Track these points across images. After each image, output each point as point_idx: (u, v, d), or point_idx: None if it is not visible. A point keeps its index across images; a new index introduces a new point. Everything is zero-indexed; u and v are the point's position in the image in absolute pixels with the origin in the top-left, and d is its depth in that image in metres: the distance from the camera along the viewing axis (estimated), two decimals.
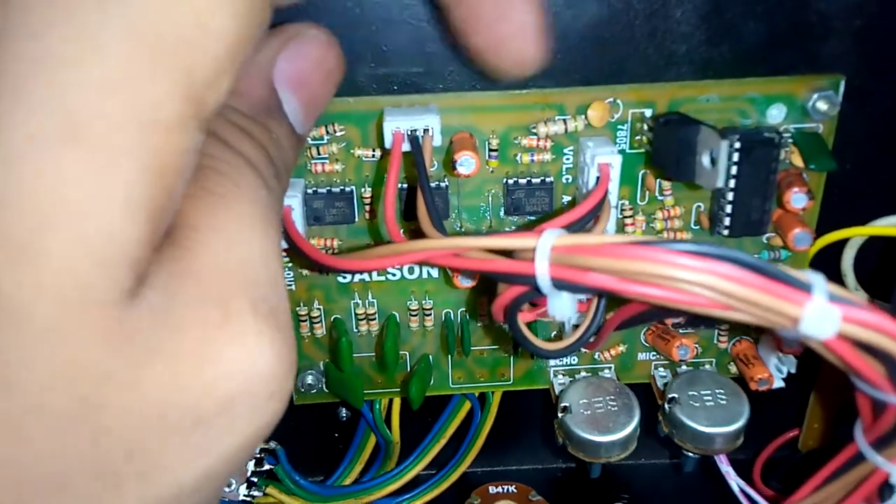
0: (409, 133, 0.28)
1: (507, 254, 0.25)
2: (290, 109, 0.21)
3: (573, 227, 0.27)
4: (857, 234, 0.34)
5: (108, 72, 0.14)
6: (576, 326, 0.32)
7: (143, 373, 0.15)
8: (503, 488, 0.37)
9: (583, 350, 0.35)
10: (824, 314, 0.21)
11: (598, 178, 0.29)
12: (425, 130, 0.28)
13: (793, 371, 0.34)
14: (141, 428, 0.15)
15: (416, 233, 0.29)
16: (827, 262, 0.34)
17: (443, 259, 0.26)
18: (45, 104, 0.13)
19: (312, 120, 0.22)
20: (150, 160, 0.14)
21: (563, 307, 0.25)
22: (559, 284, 0.23)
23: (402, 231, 0.28)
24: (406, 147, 0.28)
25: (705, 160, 0.28)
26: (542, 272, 0.23)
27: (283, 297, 0.18)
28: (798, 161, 0.31)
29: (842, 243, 0.34)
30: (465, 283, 0.30)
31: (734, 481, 0.34)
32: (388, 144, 0.28)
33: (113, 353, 0.14)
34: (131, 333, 0.14)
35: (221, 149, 0.18)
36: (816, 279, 0.21)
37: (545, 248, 0.23)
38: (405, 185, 0.31)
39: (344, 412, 0.39)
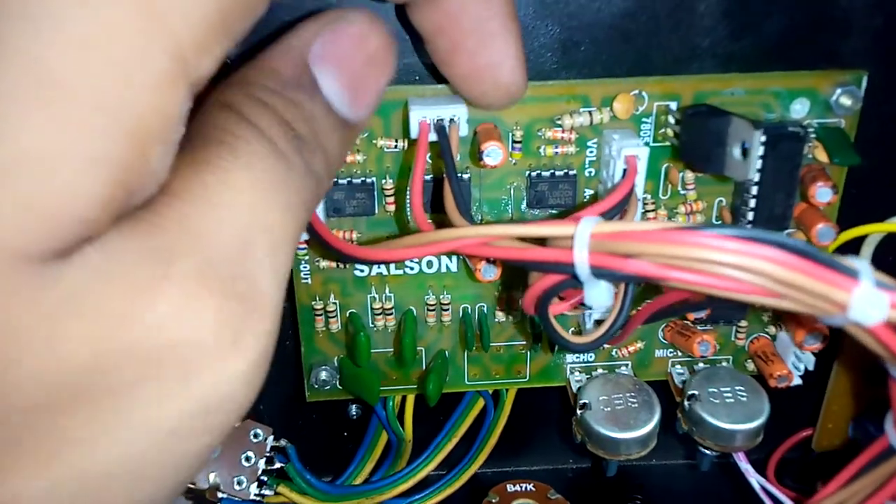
0: (436, 123, 0.28)
1: (541, 242, 0.25)
2: (329, 90, 0.21)
3: (603, 218, 0.26)
4: (875, 231, 0.33)
5: (92, 28, 0.14)
6: (598, 322, 0.31)
7: (56, 331, 0.14)
8: (521, 486, 0.36)
9: (604, 345, 0.34)
10: (872, 300, 0.20)
11: (624, 170, 0.29)
12: (451, 120, 0.28)
13: (810, 368, 0.34)
14: (49, 392, 0.14)
15: (441, 225, 0.29)
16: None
17: (473, 248, 0.25)
18: (22, 60, 0.13)
19: (363, 104, 0.21)
20: (125, 119, 0.14)
21: (600, 296, 0.24)
22: (598, 272, 0.23)
23: (429, 221, 0.28)
24: (432, 137, 0.28)
25: (736, 151, 0.27)
26: (582, 260, 0.23)
27: (259, 276, 0.17)
28: (821, 156, 0.31)
29: (860, 240, 0.34)
30: (489, 277, 0.30)
31: (755, 479, 0.33)
32: (413, 135, 0.28)
33: (26, 309, 0.14)
34: (52, 291, 0.14)
35: (234, 121, 0.18)
36: (863, 265, 0.21)
37: (584, 234, 0.23)
38: (428, 177, 0.31)
39: (354, 409, 0.38)
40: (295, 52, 0.21)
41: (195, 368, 0.15)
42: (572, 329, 0.34)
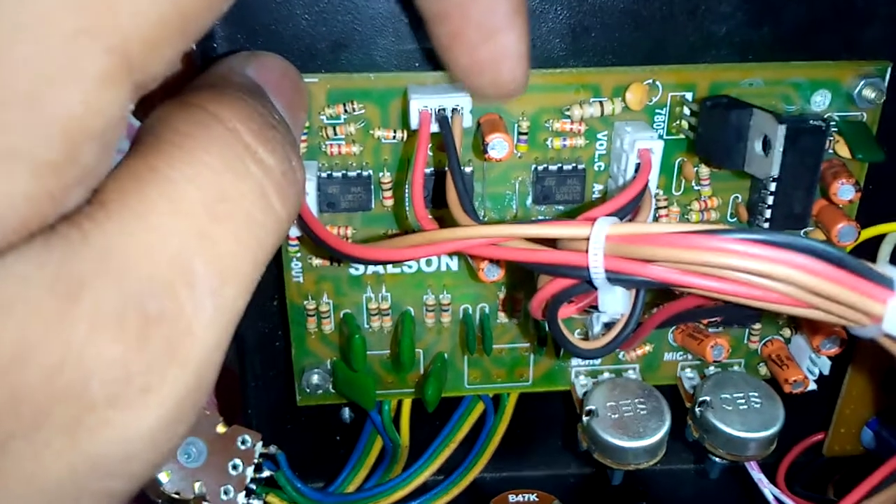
0: (438, 112, 0.26)
1: (551, 243, 0.23)
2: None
3: (617, 217, 0.25)
4: (895, 230, 0.32)
5: (25, 15, 0.12)
6: (606, 325, 0.30)
7: None
8: (524, 497, 0.35)
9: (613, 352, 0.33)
10: None
11: (637, 164, 0.27)
12: (454, 110, 0.26)
13: (825, 373, 0.33)
14: None
15: (441, 221, 0.27)
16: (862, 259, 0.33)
17: (479, 249, 0.24)
18: None
19: (297, 130, 0.21)
20: (50, 114, 0.12)
21: (615, 302, 0.23)
22: (614, 278, 0.21)
23: (431, 217, 0.26)
24: (434, 128, 0.26)
25: (757, 146, 0.26)
26: (597, 264, 0.21)
27: (193, 316, 0.14)
28: (843, 151, 0.29)
29: (878, 239, 0.33)
30: (492, 277, 0.28)
31: (768, 489, 0.32)
32: (413, 125, 0.26)
33: None
34: None
35: (195, 116, 0.16)
36: None
37: (599, 237, 0.21)
38: (430, 171, 0.29)
39: (347, 414, 0.36)
40: (237, 70, 0.20)
41: (88, 421, 0.13)
42: (578, 332, 0.32)
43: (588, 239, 0.21)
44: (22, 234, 0.13)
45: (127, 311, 0.13)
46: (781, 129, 0.25)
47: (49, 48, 0.12)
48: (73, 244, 0.13)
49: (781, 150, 0.25)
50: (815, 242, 0.19)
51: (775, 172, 0.26)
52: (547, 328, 0.26)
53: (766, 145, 0.26)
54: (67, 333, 0.13)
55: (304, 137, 0.28)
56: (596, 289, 0.22)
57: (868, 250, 0.33)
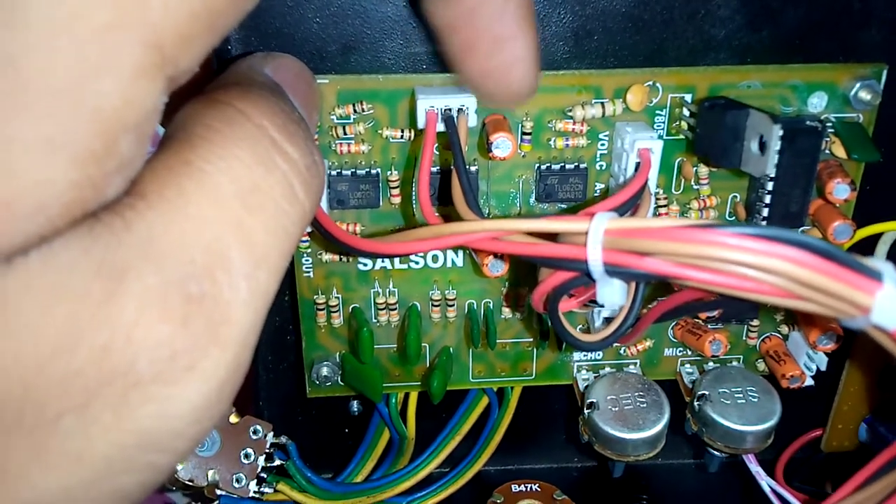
0: (444, 112, 0.27)
1: (552, 238, 0.24)
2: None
3: (616, 214, 0.26)
4: (891, 229, 0.33)
5: (63, 9, 0.13)
6: (607, 320, 0.31)
7: None
8: (526, 486, 0.35)
9: (612, 345, 0.34)
10: None
11: (637, 164, 0.28)
12: (460, 110, 0.27)
13: (823, 369, 0.33)
14: None
15: (447, 218, 0.28)
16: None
17: (482, 243, 0.25)
18: None
19: (312, 128, 0.21)
20: (90, 105, 0.13)
21: (613, 295, 0.23)
22: (612, 270, 0.22)
23: (437, 214, 0.27)
24: (440, 127, 0.27)
25: (754, 146, 0.27)
26: (595, 257, 0.22)
27: (231, 300, 0.15)
28: (839, 151, 0.30)
29: (874, 238, 0.33)
30: (496, 272, 0.29)
31: (765, 481, 0.33)
32: (420, 124, 0.27)
33: None
34: None
35: (222, 112, 0.17)
36: (886, 267, 0.20)
37: (598, 231, 0.22)
38: (435, 169, 0.30)
39: (356, 406, 0.37)
40: (257, 69, 0.21)
41: (135, 398, 0.14)
42: (581, 326, 0.33)
43: (587, 233, 0.22)
44: (66, 221, 0.13)
45: (170, 294, 0.14)
46: (777, 129, 0.26)
47: (86, 41, 0.13)
48: (116, 232, 0.14)
49: (777, 149, 0.26)
50: (806, 236, 0.20)
51: (771, 171, 0.26)
52: (549, 322, 0.26)
53: (763, 145, 0.27)
54: (115, 316, 0.13)
55: (316, 136, 0.29)
56: (595, 281, 0.23)
57: (865, 249, 0.34)
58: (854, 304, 0.20)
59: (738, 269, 0.21)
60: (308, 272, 0.32)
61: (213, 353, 0.15)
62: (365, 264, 0.32)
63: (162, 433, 0.15)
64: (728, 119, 0.27)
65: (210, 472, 0.32)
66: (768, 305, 0.31)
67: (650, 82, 0.29)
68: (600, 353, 0.34)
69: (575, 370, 0.35)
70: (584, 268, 0.22)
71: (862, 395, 0.36)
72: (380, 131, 0.29)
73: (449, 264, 0.32)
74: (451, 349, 0.34)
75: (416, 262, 0.32)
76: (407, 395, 0.36)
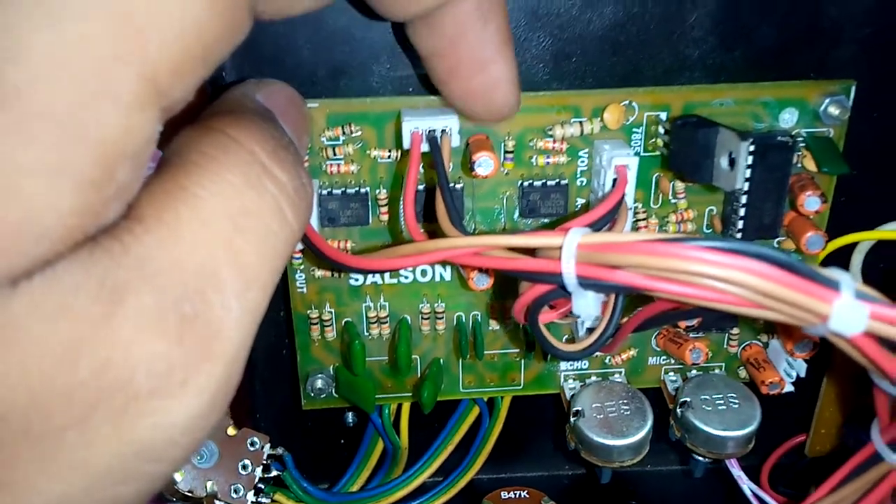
0: (428, 133, 0.28)
1: (530, 252, 0.25)
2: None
3: (592, 228, 0.27)
4: (865, 239, 0.34)
5: (65, 37, 0.13)
6: (590, 330, 0.32)
7: None
8: (515, 493, 0.36)
9: (596, 353, 0.35)
10: (852, 311, 0.21)
11: (615, 179, 0.29)
12: (443, 131, 0.28)
13: (802, 375, 0.34)
14: None
15: (433, 235, 0.29)
16: (835, 267, 0.34)
17: (464, 258, 0.26)
18: None
19: (303, 151, 0.22)
20: (89, 134, 0.14)
21: (587, 306, 0.25)
22: (585, 283, 0.23)
23: (422, 230, 0.28)
24: (425, 148, 0.28)
25: (724, 162, 0.28)
26: (569, 270, 0.23)
27: (224, 318, 0.16)
28: (810, 165, 0.31)
29: (850, 248, 0.34)
30: (481, 286, 0.30)
31: (746, 485, 0.34)
32: (406, 145, 0.28)
33: None
34: None
35: (215, 139, 0.18)
36: (843, 277, 0.21)
37: (571, 246, 0.23)
38: (421, 187, 0.31)
39: (351, 417, 0.38)
40: (249, 97, 0.22)
41: (134, 411, 0.15)
42: (566, 337, 0.34)
43: (561, 248, 0.23)
44: (68, 244, 0.14)
45: (166, 313, 0.15)
46: (744, 146, 0.27)
47: (86, 75, 0.14)
48: (114, 255, 0.15)
49: (745, 164, 0.27)
50: (767, 249, 0.21)
51: (740, 185, 0.28)
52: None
53: (732, 161, 0.28)
54: (114, 333, 0.14)
55: (306, 158, 0.30)
56: (570, 293, 0.24)
57: (841, 259, 0.35)
58: (814, 312, 0.21)
59: (704, 281, 0.22)
60: (302, 288, 0.33)
61: (205, 368, 0.16)
62: (356, 280, 0.33)
63: (158, 444, 0.16)
64: (699, 137, 0.28)
65: (209, 484, 0.33)
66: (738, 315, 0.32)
67: (626, 101, 0.30)
68: (586, 362, 0.35)
69: (562, 379, 0.36)
70: (559, 281, 0.24)
71: (843, 400, 0.37)
72: (368, 152, 0.30)
73: (437, 279, 0.33)
74: (441, 360, 0.35)
75: (406, 277, 0.33)
76: (400, 406, 0.37)
